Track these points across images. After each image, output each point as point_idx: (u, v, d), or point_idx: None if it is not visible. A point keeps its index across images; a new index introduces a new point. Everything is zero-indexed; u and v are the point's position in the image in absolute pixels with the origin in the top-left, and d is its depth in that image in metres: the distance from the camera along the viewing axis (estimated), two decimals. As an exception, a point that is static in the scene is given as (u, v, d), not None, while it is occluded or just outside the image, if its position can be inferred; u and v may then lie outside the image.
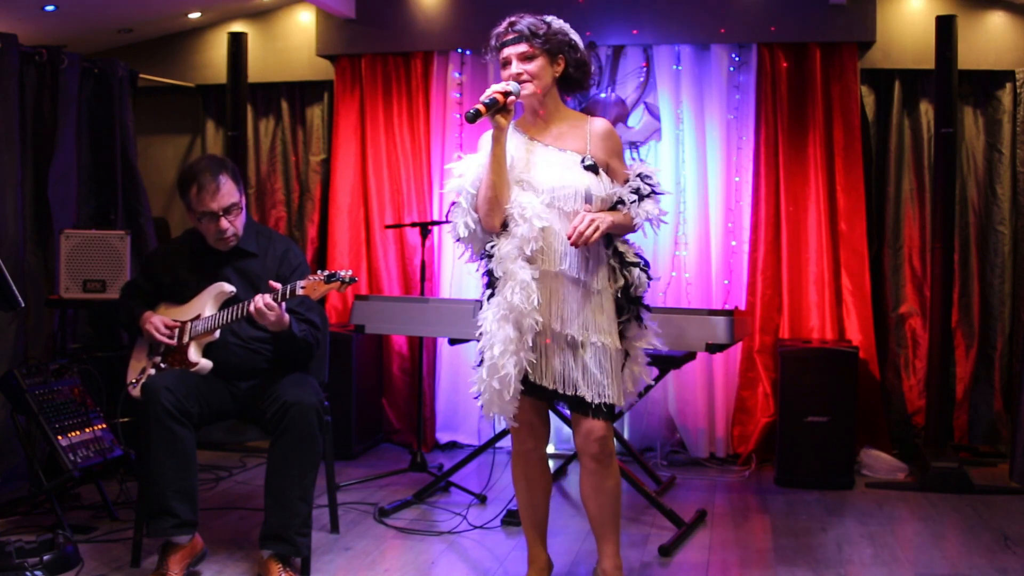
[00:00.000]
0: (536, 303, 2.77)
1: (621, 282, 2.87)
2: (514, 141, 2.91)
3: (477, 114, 2.73)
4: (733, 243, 5.03)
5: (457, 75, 5.27)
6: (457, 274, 5.24)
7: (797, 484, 4.50)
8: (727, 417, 5.04)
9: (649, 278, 2.93)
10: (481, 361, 2.86)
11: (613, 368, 2.86)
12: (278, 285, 3.20)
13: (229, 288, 3.39)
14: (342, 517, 3.87)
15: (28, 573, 3.10)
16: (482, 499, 4.18)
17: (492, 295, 2.85)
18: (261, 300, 3.16)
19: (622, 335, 2.90)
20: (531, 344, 2.80)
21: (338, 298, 5.34)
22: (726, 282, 5.02)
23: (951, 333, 4.83)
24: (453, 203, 2.93)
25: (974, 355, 4.93)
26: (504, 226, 2.85)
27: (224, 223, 3.34)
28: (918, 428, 4.92)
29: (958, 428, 4.92)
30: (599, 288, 2.86)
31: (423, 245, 4.66)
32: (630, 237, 2.97)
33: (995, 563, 3.43)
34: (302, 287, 3.13)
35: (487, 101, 2.76)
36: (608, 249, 2.89)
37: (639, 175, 2.92)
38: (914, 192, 5.01)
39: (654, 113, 5.07)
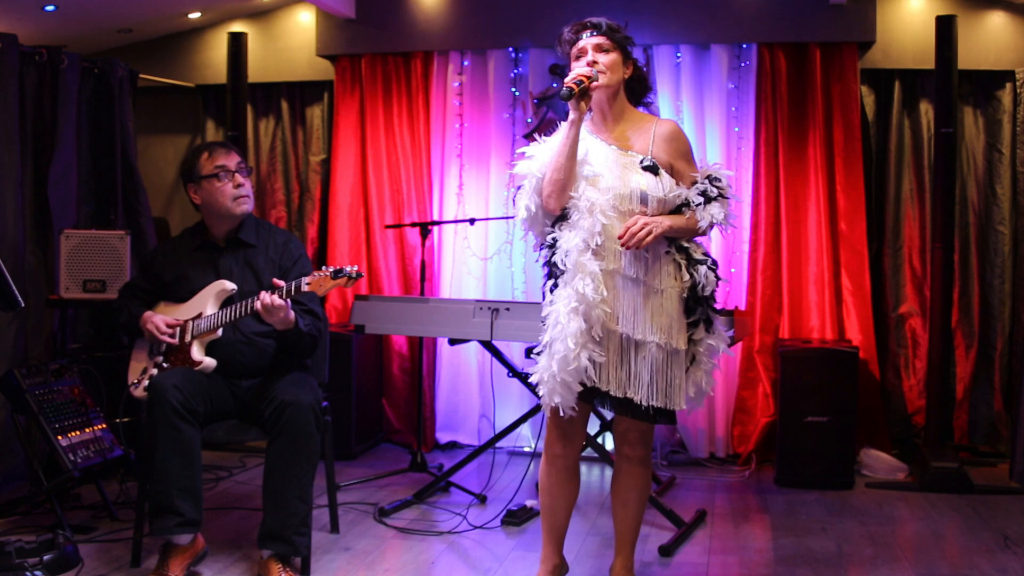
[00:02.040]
0: (604, 294, 2.76)
1: (688, 281, 2.81)
2: (583, 141, 2.88)
3: (571, 93, 2.73)
4: (736, 252, 5.04)
5: (457, 76, 5.28)
6: (457, 274, 5.25)
7: (797, 484, 4.50)
8: (727, 417, 5.04)
9: (718, 278, 2.86)
10: (541, 351, 2.83)
11: (671, 370, 2.81)
12: (282, 283, 3.20)
13: (230, 286, 3.40)
14: (342, 517, 3.87)
15: (28, 573, 3.10)
16: (482, 499, 4.18)
17: (555, 286, 2.83)
18: (268, 297, 3.17)
19: (689, 338, 2.83)
20: (599, 337, 2.77)
21: (338, 298, 5.34)
22: (725, 280, 5.01)
23: (951, 333, 4.83)
24: (519, 187, 2.93)
25: (974, 355, 4.93)
26: (562, 216, 2.84)
27: (239, 177, 3.44)
28: (918, 428, 4.92)
29: (958, 428, 4.92)
30: (662, 287, 2.80)
31: (423, 245, 4.66)
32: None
33: (995, 563, 3.43)
34: (307, 283, 3.13)
35: (577, 81, 2.75)
36: (672, 247, 2.83)
37: (708, 177, 2.86)
38: (914, 192, 5.01)
39: (654, 113, 5.06)
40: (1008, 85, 4.89)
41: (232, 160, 3.46)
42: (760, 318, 4.95)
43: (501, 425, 4.37)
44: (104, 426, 3.89)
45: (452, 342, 4.17)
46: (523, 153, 2.95)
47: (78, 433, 3.77)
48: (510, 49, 5.21)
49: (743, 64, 5.02)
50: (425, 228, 4.67)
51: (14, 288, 3.25)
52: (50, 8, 4.59)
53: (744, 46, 5.02)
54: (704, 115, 5.05)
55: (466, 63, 5.28)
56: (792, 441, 4.52)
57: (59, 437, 3.68)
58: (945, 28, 4.50)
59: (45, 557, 3.17)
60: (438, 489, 4.27)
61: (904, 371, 5.01)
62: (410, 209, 5.30)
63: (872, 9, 4.86)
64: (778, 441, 4.57)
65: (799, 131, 4.97)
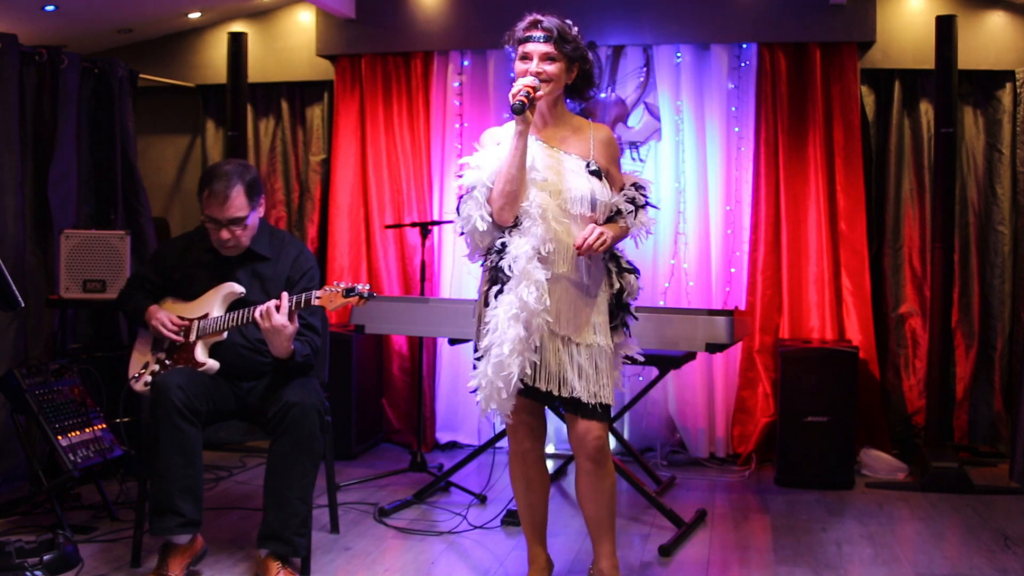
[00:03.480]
0: (547, 304, 2.78)
1: (616, 287, 2.92)
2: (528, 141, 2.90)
3: (523, 106, 2.73)
4: (736, 252, 5.04)
5: (457, 76, 5.27)
6: (457, 274, 5.24)
7: (797, 484, 4.50)
8: (727, 417, 5.04)
9: (639, 288, 2.99)
10: (481, 356, 2.85)
11: (608, 369, 2.88)
12: (287, 298, 3.18)
13: (239, 289, 3.39)
14: (342, 517, 3.87)
15: (28, 573, 3.10)
16: (482, 499, 4.18)
17: (500, 291, 2.82)
18: (277, 319, 3.14)
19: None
20: (536, 345, 2.80)
21: (338, 298, 5.34)
22: (727, 289, 5.03)
23: (951, 333, 4.83)
24: (461, 196, 2.92)
25: (974, 355, 4.93)
26: (515, 223, 2.84)
27: (225, 233, 3.33)
28: (918, 428, 4.92)
29: (958, 428, 4.92)
30: (598, 291, 2.90)
31: (423, 245, 4.66)
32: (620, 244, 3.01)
33: (995, 563, 3.43)
34: (318, 297, 3.13)
35: (526, 94, 2.75)
36: (606, 255, 2.93)
37: (634, 185, 2.96)
38: (914, 192, 5.01)
39: (654, 113, 5.07)
40: (1008, 85, 4.89)
41: (224, 213, 3.28)
42: (760, 318, 4.95)
43: (501, 425, 4.36)
44: (104, 426, 3.89)
45: (452, 342, 4.17)
46: (466, 163, 2.94)
47: (78, 433, 3.77)
48: (510, 49, 5.19)
49: (743, 64, 5.02)
50: (425, 228, 4.67)
51: (14, 288, 3.25)
52: (50, 8, 4.59)
53: (744, 46, 5.02)
54: (704, 115, 5.05)
55: (466, 63, 5.28)
56: (792, 441, 4.52)
57: (59, 437, 3.68)
58: (945, 28, 4.50)
59: (45, 557, 3.17)
60: (438, 489, 4.27)
61: (904, 371, 5.01)
62: (410, 209, 5.30)
63: (872, 9, 4.86)
64: (778, 441, 4.58)
65: (799, 131, 4.97)
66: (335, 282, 3.16)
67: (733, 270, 5.04)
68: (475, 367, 2.90)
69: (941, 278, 4.57)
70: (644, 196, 2.95)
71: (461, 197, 2.92)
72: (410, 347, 5.33)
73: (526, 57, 2.88)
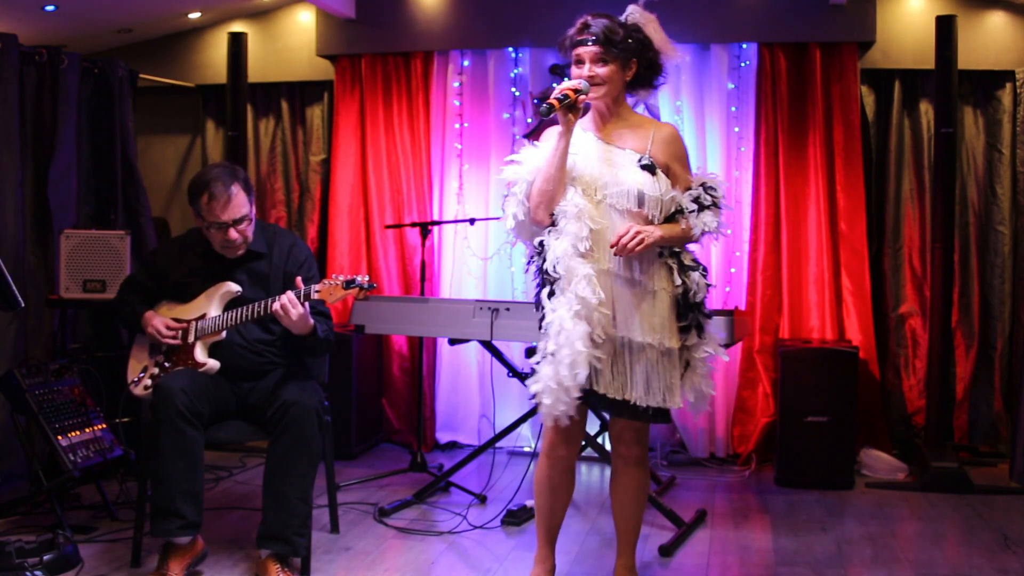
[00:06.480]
0: (602, 297, 2.75)
1: (680, 286, 2.82)
2: (578, 138, 2.89)
3: (551, 108, 2.72)
4: (736, 252, 5.04)
5: (457, 76, 5.27)
6: (457, 274, 5.25)
7: (797, 484, 4.50)
8: (727, 417, 5.04)
9: (708, 284, 2.88)
10: (540, 361, 2.80)
11: (664, 371, 2.82)
12: (301, 285, 3.19)
13: (235, 288, 3.38)
14: (342, 517, 3.87)
15: (28, 573, 3.10)
16: (482, 499, 4.18)
17: (552, 293, 2.80)
18: (285, 297, 3.16)
19: (683, 344, 2.84)
20: (600, 341, 2.76)
21: (338, 298, 5.34)
22: (727, 289, 5.03)
23: (951, 333, 4.83)
24: (506, 195, 2.93)
25: (974, 355, 4.93)
26: (552, 223, 2.83)
27: (233, 233, 3.32)
28: (918, 428, 4.92)
29: (958, 428, 4.92)
30: (655, 288, 2.82)
31: (423, 245, 4.66)
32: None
33: (995, 563, 3.43)
34: (317, 291, 3.12)
35: (560, 96, 2.73)
36: (664, 252, 2.84)
37: (702, 185, 2.87)
38: (914, 192, 5.01)
39: (654, 113, 5.05)
40: (1008, 85, 4.89)
41: (230, 214, 3.27)
42: (760, 318, 4.95)
43: (501, 425, 4.37)
44: (104, 426, 3.89)
45: (452, 342, 4.17)
46: (512, 159, 2.95)
47: (78, 433, 3.77)
48: (509, 49, 5.21)
49: (743, 64, 5.02)
50: (425, 228, 4.67)
51: (14, 288, 3.25)
52: (50, 8, 4.59)
53: (744, 46, 5.02)
54: (704, 115, 5.05)
55: (466, 63, 5.28)
56: (792, 441, 4.52)
57: (59, 437, 3.68)
58: (945, 28, 4.50)
59: (45, 557, 3.17)
60: (438, 489, 4.27)
61: (904, 371, 5.01)
62: (410, 209, 5.30)
63: (872, 9, 4.86)
64: (778, 441, 4.57)
65: (799, 131, 4.97)
66: (334, 275, 3.15)
67: (733, 270, 5.04)
68: (532, 372, 2.83)
69: (941, 278, 4.57)
70: (712, 196, 2.84)
71: (506, 196, 2.93)
72: (410, 347, 5.33)
73: (579, 61, 2.84)
